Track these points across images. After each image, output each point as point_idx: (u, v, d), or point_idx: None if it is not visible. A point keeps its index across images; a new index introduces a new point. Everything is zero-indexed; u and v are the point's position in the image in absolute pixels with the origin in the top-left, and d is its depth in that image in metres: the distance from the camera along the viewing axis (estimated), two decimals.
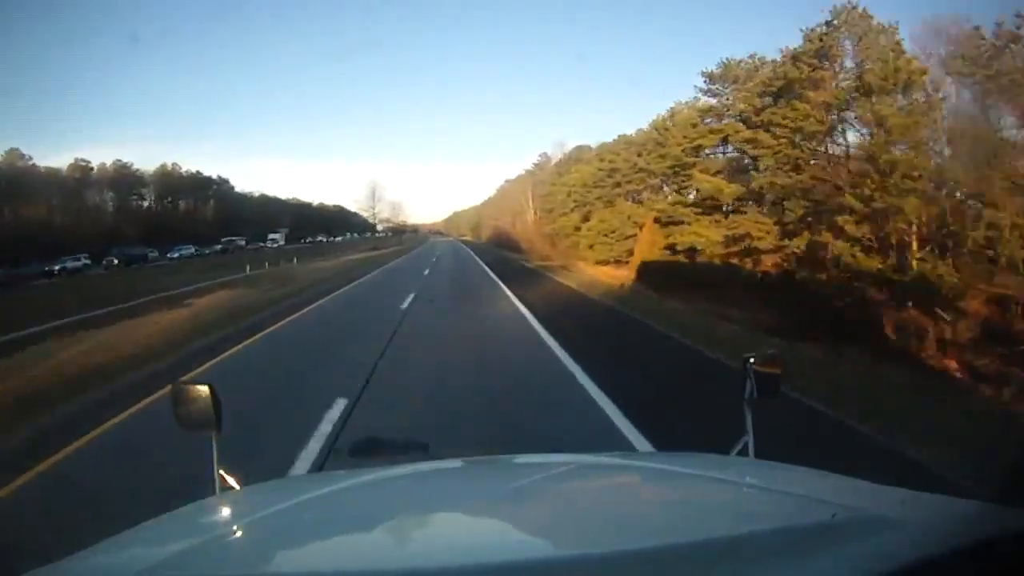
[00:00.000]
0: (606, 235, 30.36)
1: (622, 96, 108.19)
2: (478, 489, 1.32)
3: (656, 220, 25.46)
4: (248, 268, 27.05)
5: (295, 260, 34.82)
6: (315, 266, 29.96)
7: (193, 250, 47.66)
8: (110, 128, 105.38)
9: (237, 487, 1.44)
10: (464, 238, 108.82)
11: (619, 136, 35.56)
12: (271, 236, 66.66)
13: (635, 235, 27.62)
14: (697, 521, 1.04)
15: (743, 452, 1.44)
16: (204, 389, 1.45)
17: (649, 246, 24.93)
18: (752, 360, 1.47)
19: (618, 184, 31.46)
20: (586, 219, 33.40)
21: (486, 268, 26.41)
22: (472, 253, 44.92)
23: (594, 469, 1.44)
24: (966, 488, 2.91)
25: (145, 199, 62.98)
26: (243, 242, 57.91)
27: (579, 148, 44.50)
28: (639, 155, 29.74)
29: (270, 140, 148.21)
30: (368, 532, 1.05)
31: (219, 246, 52.33)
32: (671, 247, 24.33)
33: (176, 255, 44.67)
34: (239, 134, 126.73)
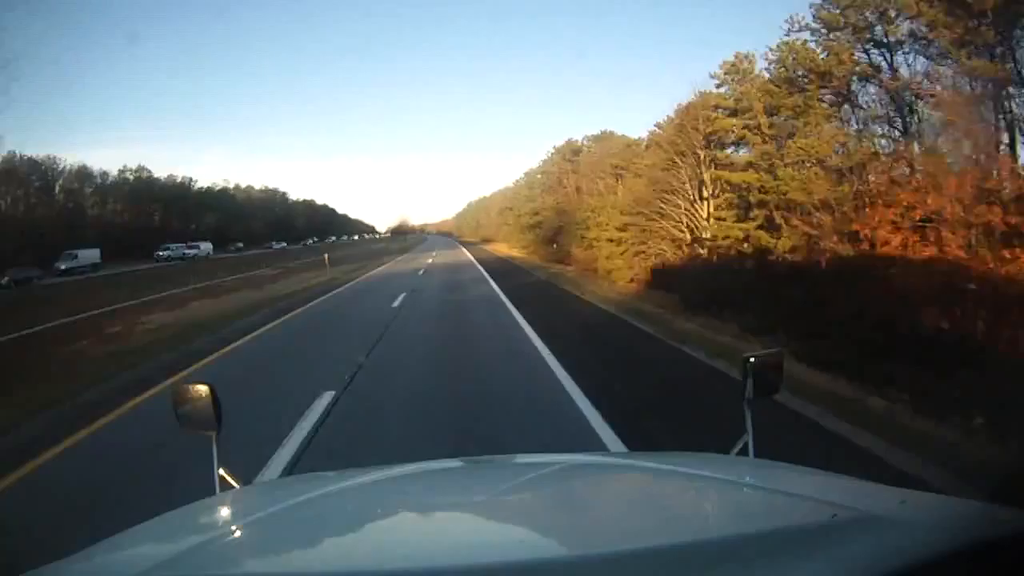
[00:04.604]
0: None
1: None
2: (478, 489, 1.32)
3: None
4: None
5: None
6: None
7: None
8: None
9: (237, 487, 1.44)
10: (489, 246, 50.84)
11: None
12: None
13: None
14: (697, 521, 1.04)
15: (743, 452, 1.43)
16: (204, 389, 1.45)
17: None
18: (752, 359, 1.45)
19: None
20: None
21: None
22: None
23: (594, 469, 1.43)
24: None
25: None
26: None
27: None
28: None
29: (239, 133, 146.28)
30: (368, 532, 1.05)
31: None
32: None
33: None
34: (234, 132, 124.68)
